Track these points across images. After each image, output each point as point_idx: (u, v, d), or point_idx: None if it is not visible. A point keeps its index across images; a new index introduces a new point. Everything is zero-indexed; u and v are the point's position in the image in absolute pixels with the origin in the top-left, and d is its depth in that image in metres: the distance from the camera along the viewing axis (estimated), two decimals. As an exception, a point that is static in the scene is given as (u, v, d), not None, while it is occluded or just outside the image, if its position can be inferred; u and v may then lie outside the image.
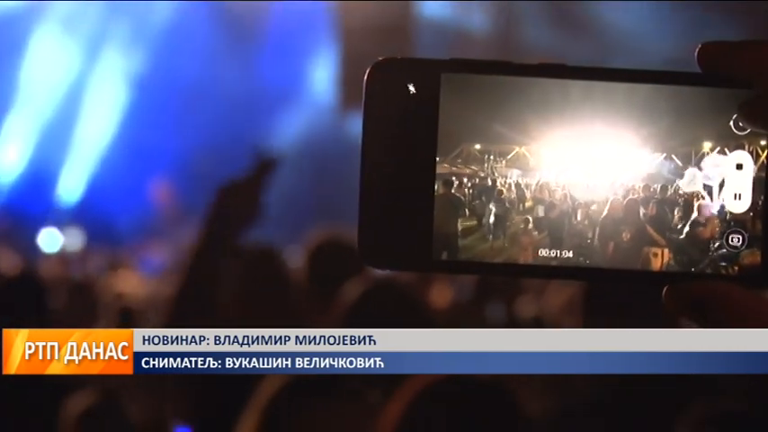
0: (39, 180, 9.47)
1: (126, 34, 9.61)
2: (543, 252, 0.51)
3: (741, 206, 0.50)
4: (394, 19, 9.22)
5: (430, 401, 1.49)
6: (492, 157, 0.52)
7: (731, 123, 0.50)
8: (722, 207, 0.51)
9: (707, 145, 0.51)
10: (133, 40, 9.60)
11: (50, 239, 8.36)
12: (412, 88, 0.51)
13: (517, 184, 0.52)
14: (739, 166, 0.50)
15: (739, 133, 0.50)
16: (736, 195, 0.50)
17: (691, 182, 0.51)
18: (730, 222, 0.50)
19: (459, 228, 0.51)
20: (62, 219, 8.95)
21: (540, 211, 0.52)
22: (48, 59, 9.61)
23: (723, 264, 0.50)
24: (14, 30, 9.33)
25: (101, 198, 9.11)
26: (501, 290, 3.36)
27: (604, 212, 0.51)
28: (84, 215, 9.01)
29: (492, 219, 0.52)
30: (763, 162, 0.50)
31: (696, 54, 0.50)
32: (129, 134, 9.30)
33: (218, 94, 8.98)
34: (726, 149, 0.50)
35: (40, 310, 2.28)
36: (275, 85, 9.59)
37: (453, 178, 0.52)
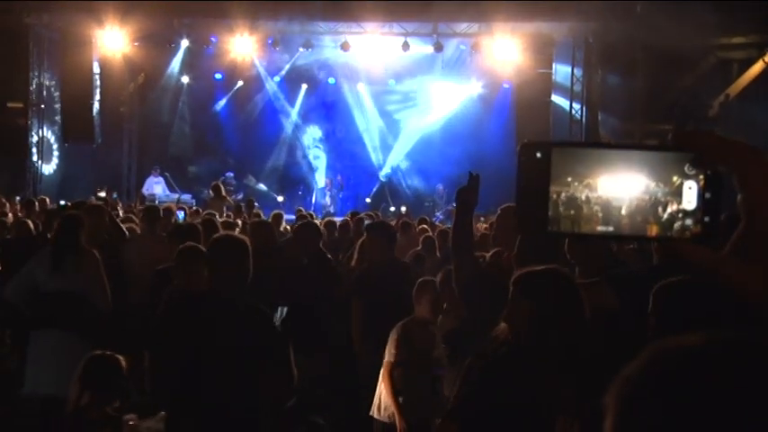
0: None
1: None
2: (599, 227, 1.10)
3: (691, 206, 1.08)
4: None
5: None
6: (576, 183, 1.10)
7: (686, 168, 1.08)
8: (683, 207, 1.09)
9: (675, 178, 1.09)
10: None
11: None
12: (538, 154, 1.11)
13: (587, 196, 1.11)
14: (690, 188, 1.08)
15: (689, 173, 1.08)
16: (688, 202, 1.08)
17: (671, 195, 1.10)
18: (687, 213, 1.08)
19: (562, 216, 1.10)
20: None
21: (600, 209, 1.10)
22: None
23: (684, 232, 1.08)
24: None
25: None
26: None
27: (630, 208, 1.10)
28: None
29: (577, 211, 1.10)
30: (701, 186, 1.08)
31: (669, 136, 1.09)
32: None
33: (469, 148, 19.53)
34: (683, 180, 1.09)
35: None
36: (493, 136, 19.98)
37: (557, 193, 1.10)
